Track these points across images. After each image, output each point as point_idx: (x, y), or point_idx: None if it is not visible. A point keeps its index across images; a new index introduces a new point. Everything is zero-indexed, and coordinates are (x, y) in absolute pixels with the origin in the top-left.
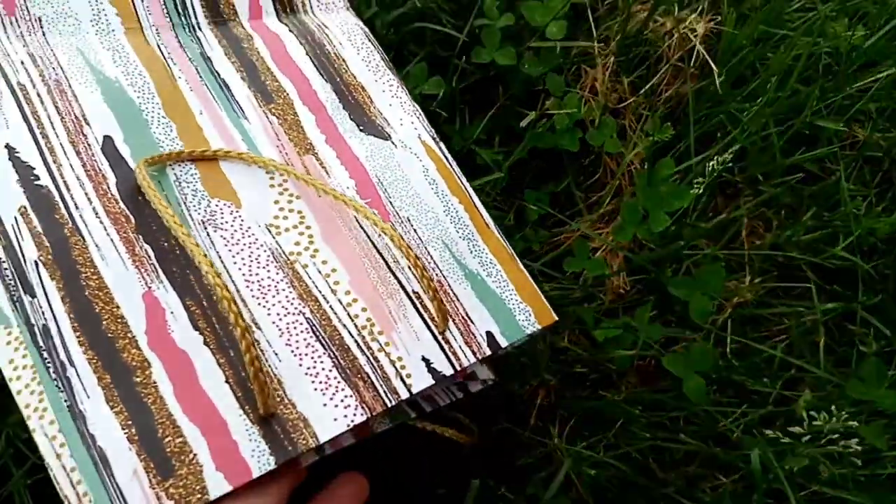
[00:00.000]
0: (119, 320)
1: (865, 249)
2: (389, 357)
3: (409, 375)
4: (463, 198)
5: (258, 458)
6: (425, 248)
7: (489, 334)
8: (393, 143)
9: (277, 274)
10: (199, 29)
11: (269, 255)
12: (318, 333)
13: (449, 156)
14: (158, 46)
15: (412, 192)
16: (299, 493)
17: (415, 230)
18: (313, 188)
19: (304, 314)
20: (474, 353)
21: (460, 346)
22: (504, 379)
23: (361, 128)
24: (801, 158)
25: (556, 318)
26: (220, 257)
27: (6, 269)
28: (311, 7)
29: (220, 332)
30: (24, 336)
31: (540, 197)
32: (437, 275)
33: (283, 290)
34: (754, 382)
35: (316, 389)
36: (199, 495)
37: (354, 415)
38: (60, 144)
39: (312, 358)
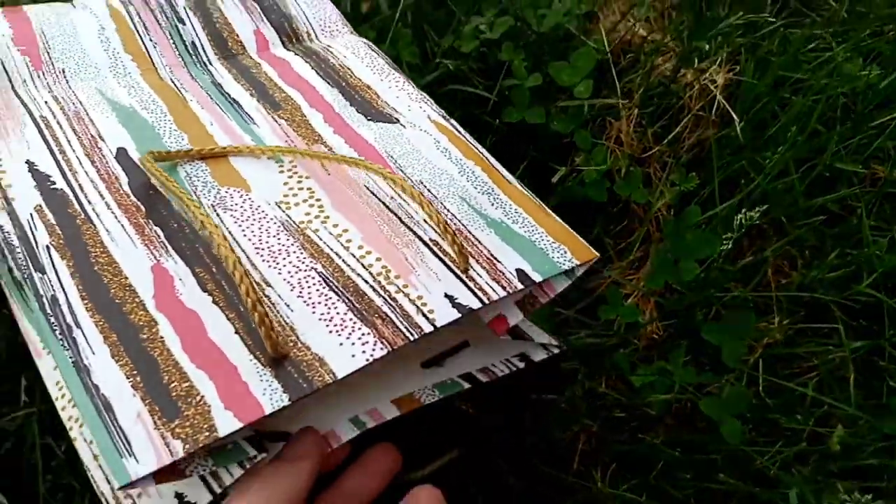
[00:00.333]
0: (127, 288)
1: (890, 286)
2: (408, 297)
3: (431, 311)
4: (479, 160)
5: (270, 396)
6: (441, 204)
7: (520, 271)
8: (402, 124)
9: (288, 240)
10: (210, 64)
11: (279, 226)
12: (331, 284)
13: (461, 129)
14: (171, 80)
15: (424, 160)
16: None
17: (429, 191)
18: (320, 164)
19: (315, 269)
20: (504, 288)
21: (487, 283)
22: (545, 425)
23: (369, 118)
24: (823, 200)
25: (597, 254)
26: (230, 233)
27: (19, 253)
28: (316, 35)
29: (229, 293)
30: (33, 306)
31: None
32: (455, 224)
33: (294, 252)
34: (788, 420)
35: (331, 332)
36: (206, 433)
37: (374, 350)
38: (77, 157)
39: (326, 305)
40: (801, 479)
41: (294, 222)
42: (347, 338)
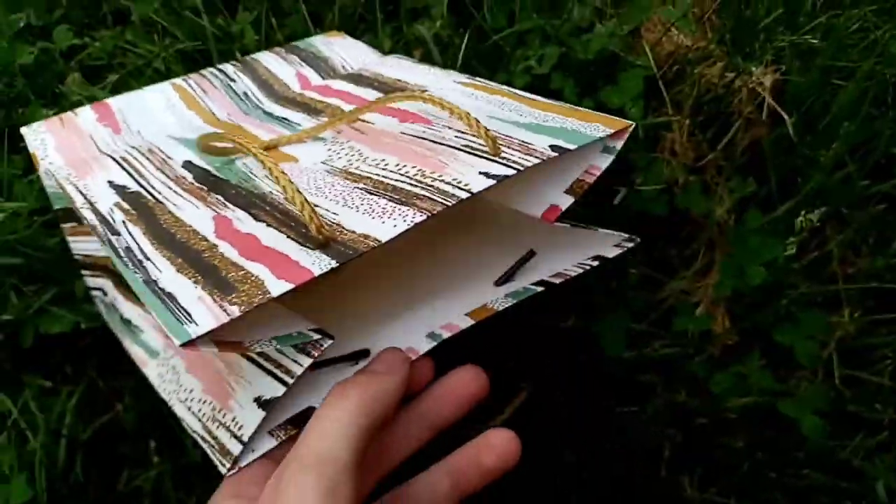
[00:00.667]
0: (190, 231)
1: None
2: (444, 180)
3: (467, 184)
4: (507, 94)
5: (318, 264)
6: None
7: (553, 146)
8: (431, 91)
9: (332, 178)
10: (261, 103)
11: (324, 173)
12: (371, 191)
13: (493, 83)
14: (229, 118)
15: (454, 100)
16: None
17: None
18: (358, 130)
19: (357, 187)
20: (537, 158)
21: (520, 157)
22: (631, 438)
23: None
24: (883, 188)
25: (631, 123)
26: None
27: (100, 230)
28: (351, 66)
29: (281, 218)
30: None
31: (637, 258)
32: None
33: (338, 183)
34: (867, 411)
35: (374, 218)
36: (260, 296)
37: (414, 217)
38: (149, 172)
39: (368, 203)
40: (885, 469)
41: (337, 167)
42: (390, 216)
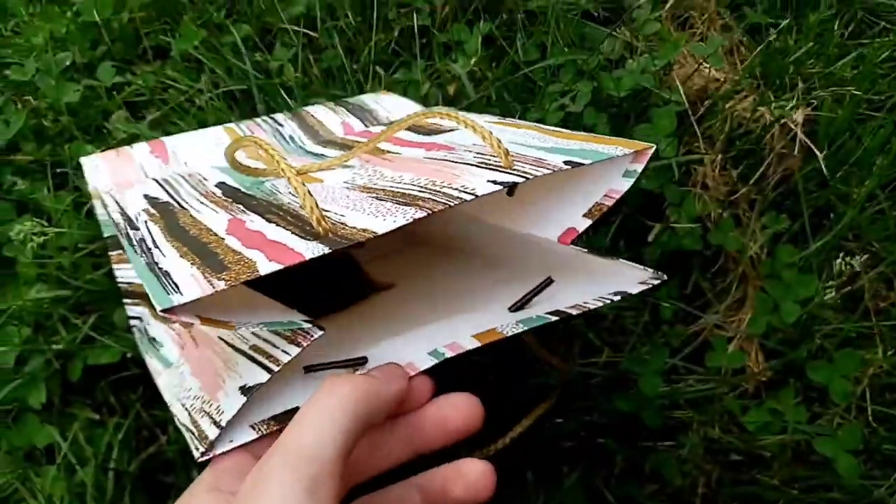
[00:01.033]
0: (203, 228)
1: None
2: (452, 186)
3: (473, 189)
4: (532, 127)
5: (311, 250)
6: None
7: (567, 161)
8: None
9: (350, 192)
10: (305, 145)
11: (343, 188)
12: (381, 197)
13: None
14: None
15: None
16: None
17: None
18: (383, 157)
19: (369, 195)
20: (549, 169)
21: (532, 169)
22: (665, 475)
23: (433, 134)
24: None
25: (652, 146)
26: None
27: (122, 228)
28: (392, 117)
29: (291, 220)
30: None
31: (671, 292)
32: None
33: (354, 194)
34: None
35: (377, 217)
36: (248, 273)
37: (415, 214)
38: (184, 188)
39: (376, 206)
40: None
41: (357, 184)
42: (392, 215)
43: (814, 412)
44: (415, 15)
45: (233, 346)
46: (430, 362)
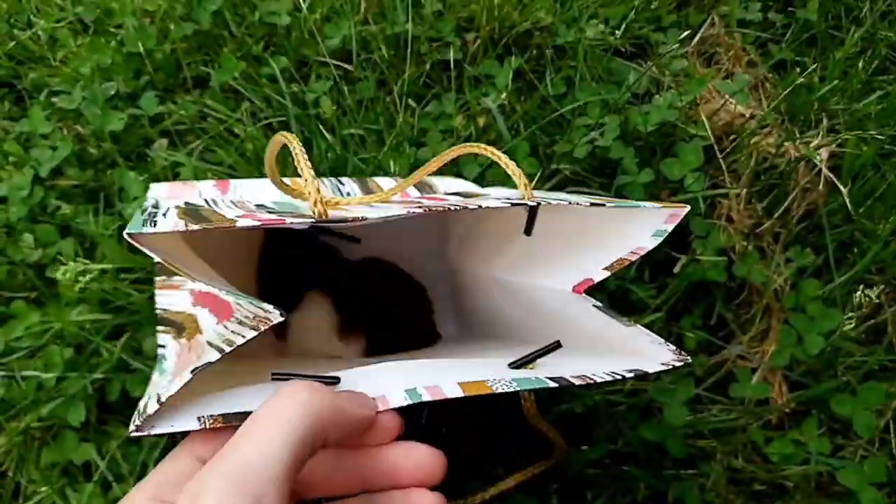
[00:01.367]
0: (218, 214)
1: None
2: (466, 203)
3: (481, 205)
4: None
5: (293, 222)
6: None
7: (594, 203)
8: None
9: (367, 207)
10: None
11: (369, 206)
12: (389, 202)
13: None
14: None
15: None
16: None
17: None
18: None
19: (381, 204)
20: (564, 202)
21: (551, 199)
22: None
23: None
24: None
25: (686, 207)
26: None
27: (145, 207)
28: (448, 190)
29: (298, 213)
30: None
31: (694, 322)
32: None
33: (376, 205)
34: None
35: (374, 210)
36: (226, 224)
37: (412, 211)
38: (224, 205)
39: (386, 209)
40: None
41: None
42: (394, 212)
43: (836, 444)
44: (447, 49)
45: (209, 343)
46: (403, 400)
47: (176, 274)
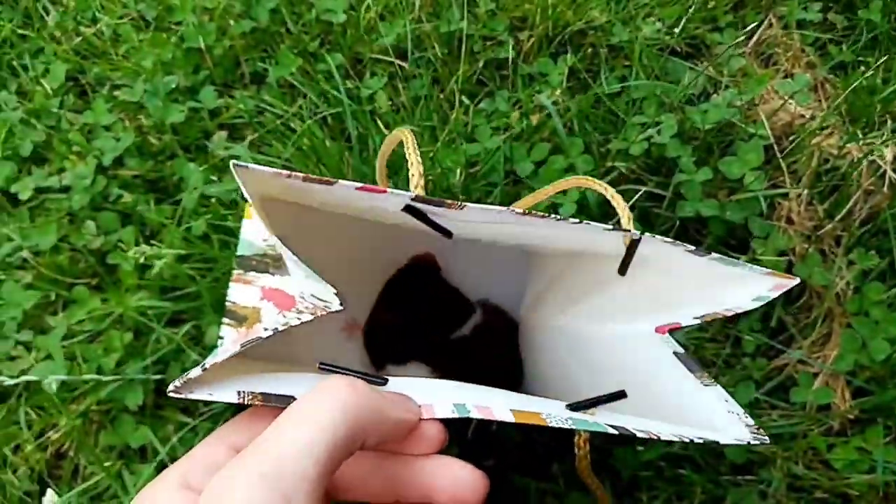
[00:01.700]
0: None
1: None
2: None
3: (582, 224)
4: None
5: (396, 196)
6: None
7: (691, 251)
8: None
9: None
10: None
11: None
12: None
13: None
14: None
15: None
16: None
17: None
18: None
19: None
20: (663, 242)
21: (641, 235)
22: None
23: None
24: None
25: (795, 280)
26: None
27: None
28: None
29: None
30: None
31: (753, 325)
32: None
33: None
34: None
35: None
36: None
37: (512, 210)
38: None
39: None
40: None
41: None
42: (490, 209)
43: None
44: (501, 48)
45: (265, 329)
46: (450, 413)
47: (255, 269)
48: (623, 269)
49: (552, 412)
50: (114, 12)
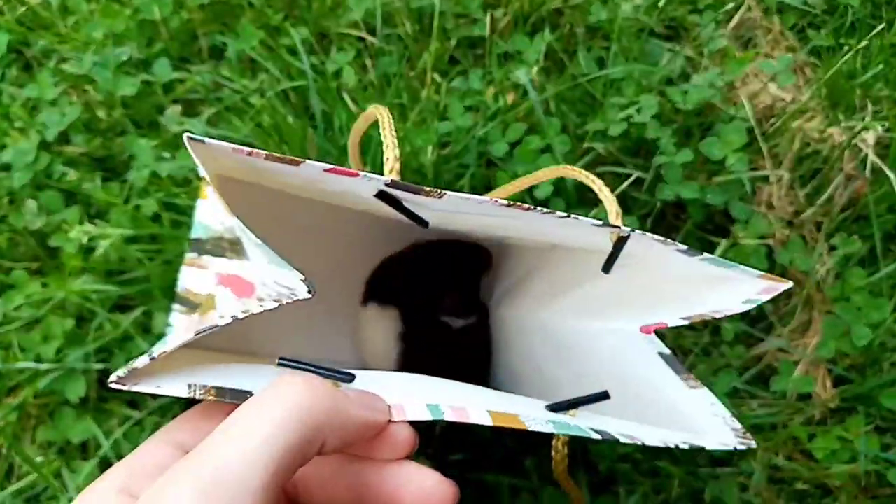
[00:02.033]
0: None
1: None
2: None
3: (566, 215)
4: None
5: (370, 180)
6: None
7: (682, 251)
8: None
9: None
10: None
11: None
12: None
13: None
14: None
15: None
16: None
17: None
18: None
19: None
20: (652, 240)
21: (628, 233)
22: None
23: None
24: None
25: (788, 284)
26: None
27: None
28: None
29: None
30: None
31: None
32: None
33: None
34: None
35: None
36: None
37: (499, 202)
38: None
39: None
40: None
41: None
42: (469, 196)
43: (884, 443)
44: (474, 26)
45: (221, 317)
46: (423, 414)
47: (210, 253)
48: (607, 267)
49: (531, 414)
50: None
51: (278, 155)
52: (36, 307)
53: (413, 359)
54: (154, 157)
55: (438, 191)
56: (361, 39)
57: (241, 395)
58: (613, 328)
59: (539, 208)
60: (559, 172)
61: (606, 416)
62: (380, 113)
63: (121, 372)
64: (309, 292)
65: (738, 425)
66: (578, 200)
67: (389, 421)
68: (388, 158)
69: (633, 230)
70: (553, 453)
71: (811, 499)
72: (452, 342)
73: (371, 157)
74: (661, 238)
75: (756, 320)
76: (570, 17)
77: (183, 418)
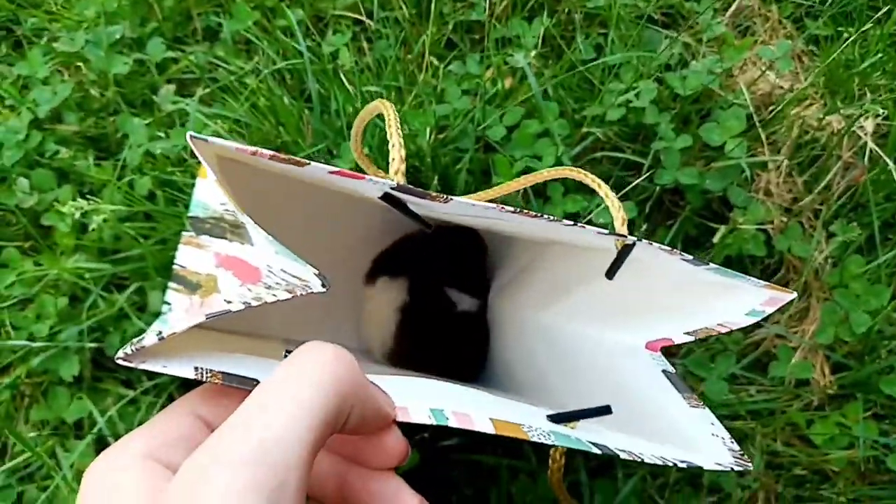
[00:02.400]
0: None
1: None
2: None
3: (568, 222)
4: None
5: (376, 185)
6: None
7: (688, 260)
8: None
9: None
10: None
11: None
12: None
13: None
14: None
15: None
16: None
17: None
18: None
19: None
20: (666, 251)
21: (632, 240)
22: (724, 488)
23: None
24: None
25: (792, 295)
26: None
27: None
28: None
29: None
30: None
31: None
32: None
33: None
34: None
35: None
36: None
37: (497, 207)
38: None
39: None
40: None
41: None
42: (473, 202)
43: (881, 429)
44: (472, 10)
45: (227, 301)
46: (426, 418)
47: (209, 233)
48: (611, 274)
49: (533, 424)
50: None
51: (283, 156)
52: (29, 285)
53: (410, 333)
54: (148, 136)
55: (444, 196)
56: (358, 22)
57: (248, 382)
58: (618, 341)
59: (546, 215)
60: (564, 173)
61: (607, 429)
62: (385, 109)
63: (128, 349)
64: (323, 286)
65: (736, 447)
66: (577, 186)
67: (393, 421)
68: (393, 159)
69: (638, 239)
70: (550, 462)
71: (809, 484)
72: (452, 325)
73: (367, 145)
74: (668, 248)
75: None
76: (568, 3)
77: (201, 392)
